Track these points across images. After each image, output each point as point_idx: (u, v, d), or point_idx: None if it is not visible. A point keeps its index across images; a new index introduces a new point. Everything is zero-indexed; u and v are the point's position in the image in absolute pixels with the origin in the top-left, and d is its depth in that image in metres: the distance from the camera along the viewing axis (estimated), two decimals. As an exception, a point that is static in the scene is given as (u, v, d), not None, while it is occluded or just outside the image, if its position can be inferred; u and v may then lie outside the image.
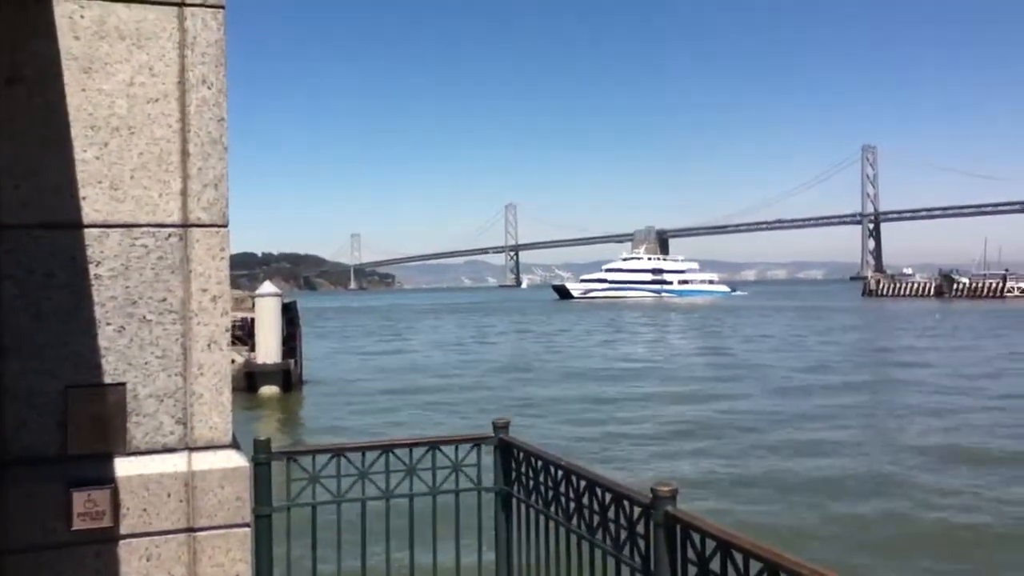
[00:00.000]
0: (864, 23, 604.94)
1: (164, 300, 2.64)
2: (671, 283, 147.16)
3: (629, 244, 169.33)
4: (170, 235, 2.65)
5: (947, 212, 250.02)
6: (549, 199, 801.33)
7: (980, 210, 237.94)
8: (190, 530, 2.60)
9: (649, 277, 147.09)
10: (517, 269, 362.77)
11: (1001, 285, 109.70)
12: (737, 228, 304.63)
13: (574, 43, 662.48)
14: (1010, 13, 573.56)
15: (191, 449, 2.66)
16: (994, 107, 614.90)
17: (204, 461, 2.65)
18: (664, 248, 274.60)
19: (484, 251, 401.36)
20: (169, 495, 2.58)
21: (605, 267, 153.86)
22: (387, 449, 4.26)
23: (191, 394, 2.66)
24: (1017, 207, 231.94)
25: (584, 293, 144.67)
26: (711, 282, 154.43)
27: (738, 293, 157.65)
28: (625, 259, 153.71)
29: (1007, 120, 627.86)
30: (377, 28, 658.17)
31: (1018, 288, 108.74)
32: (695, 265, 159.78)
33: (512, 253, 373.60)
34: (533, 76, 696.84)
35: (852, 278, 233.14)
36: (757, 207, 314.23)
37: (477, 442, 4.48)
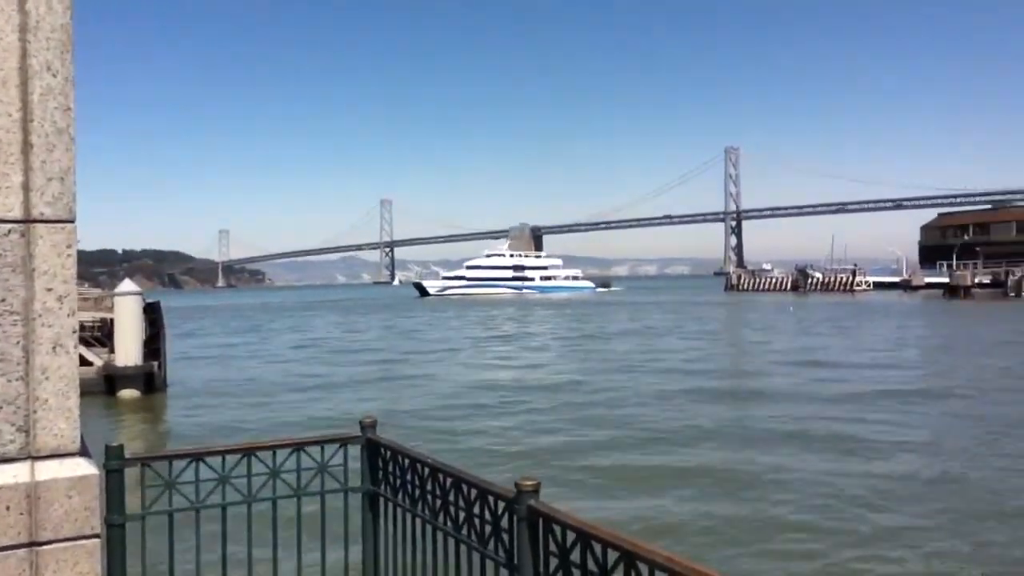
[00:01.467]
0: (732, 24, 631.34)
1: (3, 301, 2.50)
2: (533, 279, 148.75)
3: (505, 240, 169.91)
4: (10, 231, 2.51)
5: (802, 211, 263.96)
6: (426, 195, 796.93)
7: (830, 209, 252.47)
8: (33, 544, 2.47)
9: (510, 274, 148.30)
10: (392, 266, 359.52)
11: (851, 280, 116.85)
12: (608, 225, 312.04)
13: (447, 35, 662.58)
14: (853, 26, 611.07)
15: (34, 458, 2.52)
16: (847, 111, 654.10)
17: (48, 470, 2.52)
18: (538, 244, 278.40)
19: (359, 247, 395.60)
20: (8, 508, 2.44)
21: (466, 264, 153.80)
22: (249, 452, 4.15)
23: (34, 400, 2.53)
24: (861, 206, 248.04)
25: (441, 290, 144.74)
26: (575, 278, 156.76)
27: (616, 289, 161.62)
28: (487, 256, 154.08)
29: (857, 124, 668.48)
30: (248, 19, 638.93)
31: (865, 283, 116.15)
32: (558, 261, 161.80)
33: (387, 249, 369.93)
34: (407, 70, 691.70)
35: (716, 273, 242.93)
36: (629, 205, 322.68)
37: (343, 442, 4.42)
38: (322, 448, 4.35)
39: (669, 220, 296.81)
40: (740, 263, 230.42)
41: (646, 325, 56.57)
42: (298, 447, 4.27)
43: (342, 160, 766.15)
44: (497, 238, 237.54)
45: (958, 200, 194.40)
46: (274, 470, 4.18)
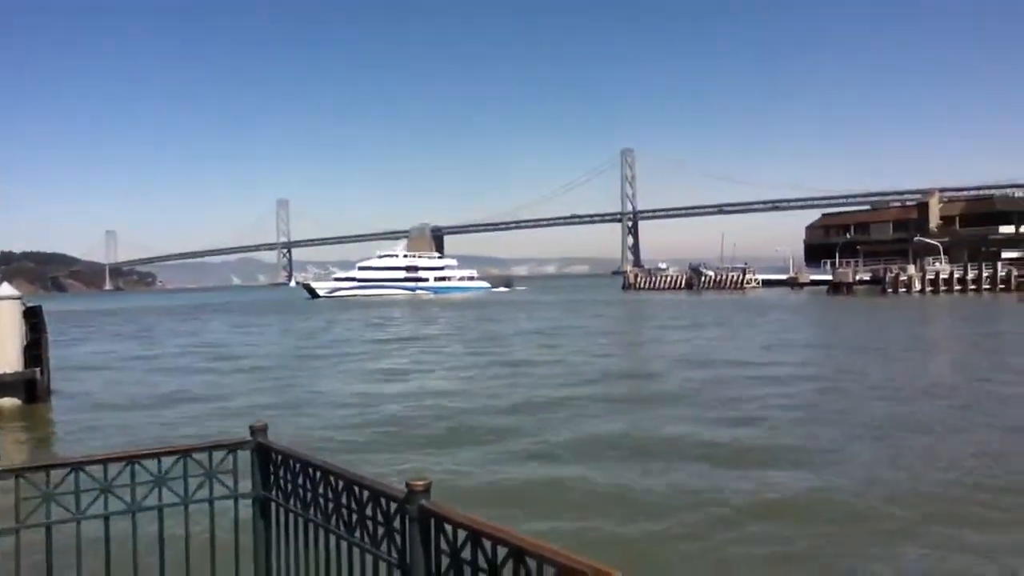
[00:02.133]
0: (631, 28, 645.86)
1: None
2: (427, 280, 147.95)
3: (402, 241, 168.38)
4: None
5: (694, 211, 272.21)
6: (325, 196, 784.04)
7: (721, 209, 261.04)
8: None
9: (403, 275, 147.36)
10: (290, 267, 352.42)
11: (741, 278, 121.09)
12: (509, 226, 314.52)
13: (344, 29, 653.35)
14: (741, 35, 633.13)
15: None
16: (737, 116, 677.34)
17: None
18: (439, 245, 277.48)
19: (255, 248, 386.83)
20: None
21: (358, 265, 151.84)
22: (132, 460, 4.02)
23: None
24: (750, 207, 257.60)
25: (331, 292, 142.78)
26: (470, 278, 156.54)
27: (520, 288, 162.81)
28: (380, 256, 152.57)
29: (747, 127, 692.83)
30: (130, 9, 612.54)
31: (755, 280, 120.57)
32: (453, 262, 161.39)
33: (284, 251, 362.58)
34: (303, 67, 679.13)
35: (614, 273, 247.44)
36: (529, 205, 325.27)
37: (233, 447, 4.33)
38: (210, 454, 4.26)
39: (569, 220, 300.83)
40: (637, 262, 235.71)
41: (553, 326, 57.05)
42: (185, 453, 4.17)
43: (237, 159, 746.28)
44: (398, 238, 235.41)
45: (840, 201, 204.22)
46: (159, 478, 4.07)
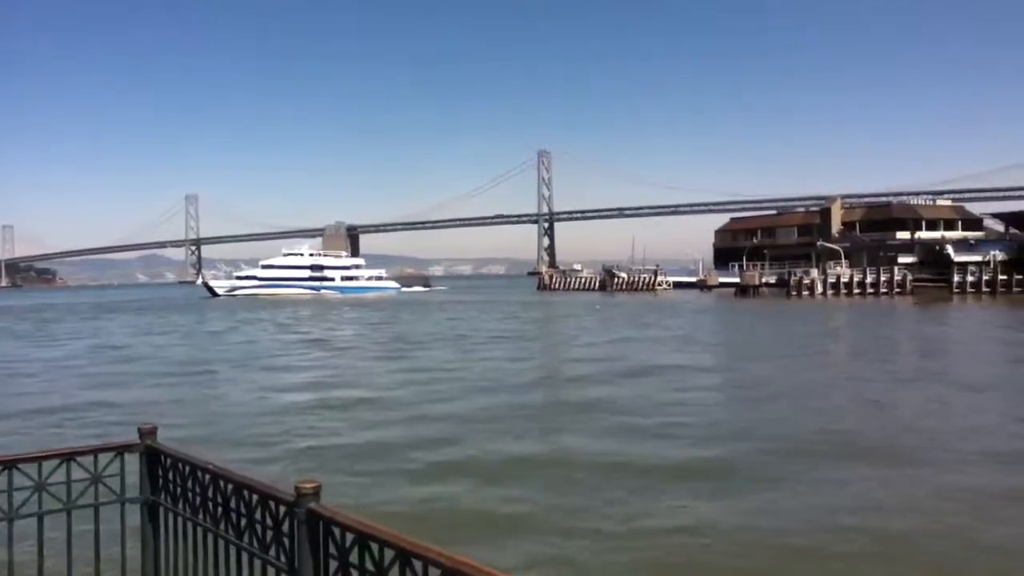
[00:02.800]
0: (551, 32, 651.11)
1: None
2: (333, 280, 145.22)
3: (305, 240, 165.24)
4: None
5: (608, 213, 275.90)
6: (238, 192, 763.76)
7: (638, 212, 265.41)
8: None
9: (308, 274, 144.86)
10: (199, 264, 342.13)
11: (653, 280, 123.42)
12: (425, 225, 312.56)
13: (259, 22, 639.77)
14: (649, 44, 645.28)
15: None
16: (650, 118, 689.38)
17: None
18: (355, 243, 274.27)
19: (162, 244, 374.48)
20: None
21: (261, 263, 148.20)
22: (9, 465, 3.87)
23: None
24: (663, 210, 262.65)
25: (231, 290, 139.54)
26: (379, 278, 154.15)
27: (440, 288, 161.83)
28: (285, 255, 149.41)
29: (658, 130, 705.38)
30: (34, 9, 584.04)
31: (666, 282, 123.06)
32: (361, 261, 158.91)
33: (193, 247, 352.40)
34: (213, 59, 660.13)
35: (529, 273, 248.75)
36: (446, 204, 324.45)
37: (120, 450, 4.21)
38: (95, 458, 4.13)
39: (486, 221, 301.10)
40: (552, 263, 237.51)
41: (471, 328, 56.96)
42: (68, 457, 4.03)
43: (143, 153, 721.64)
44: (312, 236, 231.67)
45: (750, 205, 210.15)
46: (40, 483, 3.93)
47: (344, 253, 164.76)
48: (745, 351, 37.27)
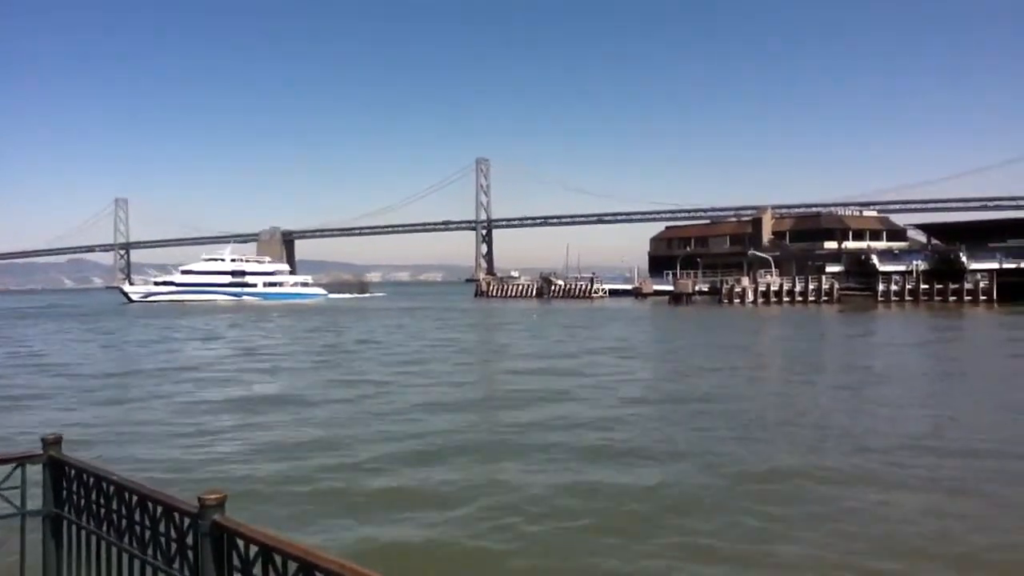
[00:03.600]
0: (489, 39, 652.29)
1: None
2: (255, 286, 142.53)
3: (255, 244, 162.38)
4: None
5: (546, 221, 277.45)
6: (170, 196, 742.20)
7: (570, 220, 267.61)
8: None
9: (228, 280, 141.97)
10: (128, 269, 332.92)
11: (589, 287, 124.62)
12: (362, 231, 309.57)
13: (193, 23, 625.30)
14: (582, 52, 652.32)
15: None
16: (586, 128, 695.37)
17: None
18: (290, 249, 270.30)
19: (89, 249, 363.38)
20: None
21: (180, 269, 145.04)
22: None
23: None
24: (600, 218, 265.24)
25: (146, 296, 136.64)
26: (304, 284, 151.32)
27: (378, 295, 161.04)
28: (205, 260, 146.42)
29: (594, 139, 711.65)
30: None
31: (602, 290, 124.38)
32: (285, 267, 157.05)
33: (122, 252, 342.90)
34: (144, 63, 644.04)
35: (467, 280, 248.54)
36: (383, 211, 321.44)
37: (21, 461, 4.10)
38: None
39: (423, 227, 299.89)
40: (490, 270, 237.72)
41: (408, 335, 56.62)
42: None
43: (69, 155, 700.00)
44: (246, 242, 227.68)
45: (684, 215, 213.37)
46: None
47: (268, 259, 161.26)
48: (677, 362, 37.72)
